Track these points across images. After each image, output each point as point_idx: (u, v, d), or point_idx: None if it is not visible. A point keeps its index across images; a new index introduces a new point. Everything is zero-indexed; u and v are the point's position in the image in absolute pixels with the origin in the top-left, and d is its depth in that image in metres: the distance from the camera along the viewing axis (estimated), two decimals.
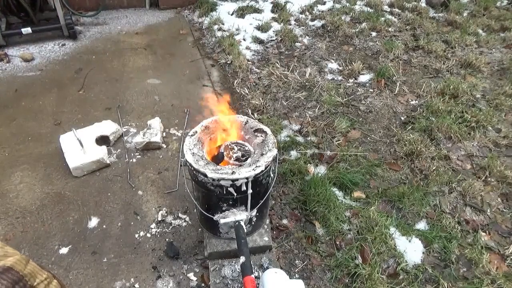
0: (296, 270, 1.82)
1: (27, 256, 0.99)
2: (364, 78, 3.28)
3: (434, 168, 2.37)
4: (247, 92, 3.02)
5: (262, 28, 3.93)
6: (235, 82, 3.13)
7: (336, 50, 3.69)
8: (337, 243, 1.92)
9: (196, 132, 1.66)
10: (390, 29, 4.11)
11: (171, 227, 1.97)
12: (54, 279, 1.01)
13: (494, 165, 2.38)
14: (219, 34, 3.81)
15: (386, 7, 4.65)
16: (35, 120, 2.64)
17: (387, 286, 1.72)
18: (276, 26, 4.01)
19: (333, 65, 3.44)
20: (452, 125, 2.66)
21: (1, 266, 0.86)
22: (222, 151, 1.63)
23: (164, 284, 1.72)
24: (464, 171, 2.40)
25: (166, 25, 4.11)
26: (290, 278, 1.39)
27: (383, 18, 4.29)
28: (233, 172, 1.44)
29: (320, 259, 1.86)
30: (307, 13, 4.38)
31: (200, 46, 3.71)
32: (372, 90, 3.12)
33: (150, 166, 2.33)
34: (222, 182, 1.46)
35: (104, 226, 1.96)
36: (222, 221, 1.59)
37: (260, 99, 2.90)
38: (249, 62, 3.40)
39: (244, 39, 3.78)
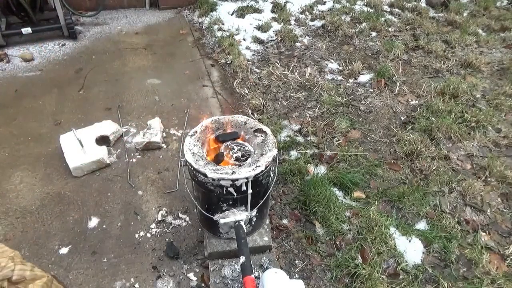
0: (296, 270, 1.82)
1: (51, 277, 1.01)
2: (364, 78, 3.28)
3: (434, 168, 2.37)
4: (247, 92, 3.02)
5: (262, 28, 3.94)
6: (235, 82, 3.13)
7: (336, 50, 3.69)
8: (337, 243, 1.92)
9: (196, 132, 1.66)
10: (390, 29, 4.11)
11: (171, 227, 1.97)
12: None
13: (494, 165, 2.38)
14: (219, 34, 3.81)
15: (386, 7, 4.65)
16: (35, 120, 2.64)
17: (387, 286, 1.72)
18: (276, 26, 4.01)
19: (333, 65, 3.44)
20: (452, 125, 2.66)
21: None
22: (222, 151, 1.63)
23: (164, 284, 1.72)
24: (464, 171, 2.40)
25: (166, 25, 4.11)
26: (290, 278, 1.40)
27: (383, 18, 4.29)
28: (233, 172, 1.44)
29: (320, 259, 1.86)
30: (307, 13, 4.38)
31: (200, 46, 3.72)
32: (372, 90, 3.12)
33: (150, 166, 2.33)
34: (222, 182, 1.46)
35: (104, 226, 1.96)
36: (222, 221, 1.59)
37: (260, 99, 2.90)
38: (249, 62, 3.40)
39: (244, 39, 3.78)
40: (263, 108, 2.84)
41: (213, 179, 1.45)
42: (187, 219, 2.01)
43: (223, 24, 4.00)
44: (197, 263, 1.81)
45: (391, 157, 2.49)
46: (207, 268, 1.75)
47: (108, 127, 2.45)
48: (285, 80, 3.18)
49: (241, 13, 4.23)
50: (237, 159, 1.59)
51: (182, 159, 1.67)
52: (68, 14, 3.57)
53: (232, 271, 1.72)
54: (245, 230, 1.59)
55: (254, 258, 1.78)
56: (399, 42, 3.76)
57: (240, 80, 3.15)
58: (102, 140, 2.41)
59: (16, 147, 2.42)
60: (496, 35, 4.07)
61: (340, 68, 3.40)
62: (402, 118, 2.85)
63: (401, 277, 1.79)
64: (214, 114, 2.76)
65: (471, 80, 3.26)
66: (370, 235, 1.91)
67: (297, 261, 1.85)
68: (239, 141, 1.69)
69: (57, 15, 3.49)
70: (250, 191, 1.51)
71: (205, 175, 1.45)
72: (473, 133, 2.67)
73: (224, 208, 1.60)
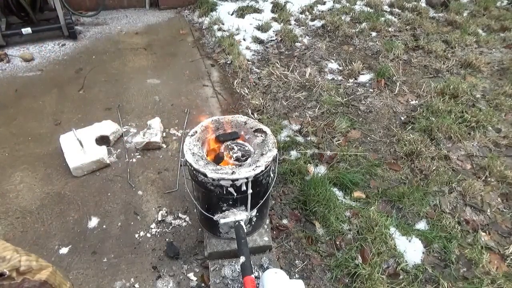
0: (296, 270, 1.82)
1: (54, 267, 1.04)
2: (364, 78, 3.28)
3: (434, 168, 2.37)
4: (247, 92, 3.02)
5: (262, 28, 3.94)
6: (235, 82, 3.13)
7: (336, 50, 3.69)
8: (337, 243, 1.92)
9: (196, 132, 1.66)
10: (390, 29, 4.11)
11: (171, 227, 1.97)
12: (73, 286, 1.09)
13: (494, 165, 2.38)
14: (219, 34, 3.81)
15: (386, 7, 4.65)
16: (35, 120, 2.64)
17: (387, 286, 1.72)
18: (276, 26, 4.01)
19: (333, 65, 3.44)
20: (452, 125, 2.66)
21: (38, 280, 0.93)
22: (222, 151, 1.63)
23: (164, 284, 1.72)
24: (464, 171, 2.40)
25: (166, 25, 4.11)
26: (290, 278, 1.40)
27: (383, 18, 4.29)
28: (233, 172, 1.44)
29: (320, 259, 1.86)
30: (307, 13, 4.38)
31: (200, 46, 3.72)
32: (372, 90, 3.12)
33: (150, 166, 2.33)
34: (222, 182, 1.46)
35: (104, 226, 1.96)
36: (222, 221, 1.59)
37: (260, 99, 2.90)
38: (249, 62, 3.40)
39: (244, 39, 3.78)
40: (263, 108, 2.84)
41: (213, 179, 1.45)
42: (187, 219, 2.01)
43: (223, 24, 4.00)
44: (197, 263, 1.81)
45: (391, 157, 2.49)
46: (207, 268, 1.75)
47: (108, 127, 2.45)
48: (285, 80, 3.18)
49: (241, 13, 4.23)
50: (237, 159, 1.59)
51: (182, 159, 1.67)
52: (68, 14, 3.57)
53: (232, 271, 1.72)
54: (245, 230, 1.59)
55: (254, 258, 1.78)
56: (399, 42, 3.76)
57: (240, 80, 3.15)
58: (102, 140, 2.41)
59: (16, 147, 2.42)
60: (496, 35, 4.07)
61: (340, 68, 3.40)
62: (402, 118, 2.85)
63: (401, 277, 1.79)
64: (214, 114, 2.76)
65: (471, 80, 3.26)
66: (370, 235, 1.91)
67: (297, 261, 1.85)
68: (239, 141, 1.69)
69: (57, 15, 3.49)
70: (250, 191, 1.51)
71: (205, 175, 1.45)
72: (473, 133, 2.67)
73: (224, 208, 1.60)
